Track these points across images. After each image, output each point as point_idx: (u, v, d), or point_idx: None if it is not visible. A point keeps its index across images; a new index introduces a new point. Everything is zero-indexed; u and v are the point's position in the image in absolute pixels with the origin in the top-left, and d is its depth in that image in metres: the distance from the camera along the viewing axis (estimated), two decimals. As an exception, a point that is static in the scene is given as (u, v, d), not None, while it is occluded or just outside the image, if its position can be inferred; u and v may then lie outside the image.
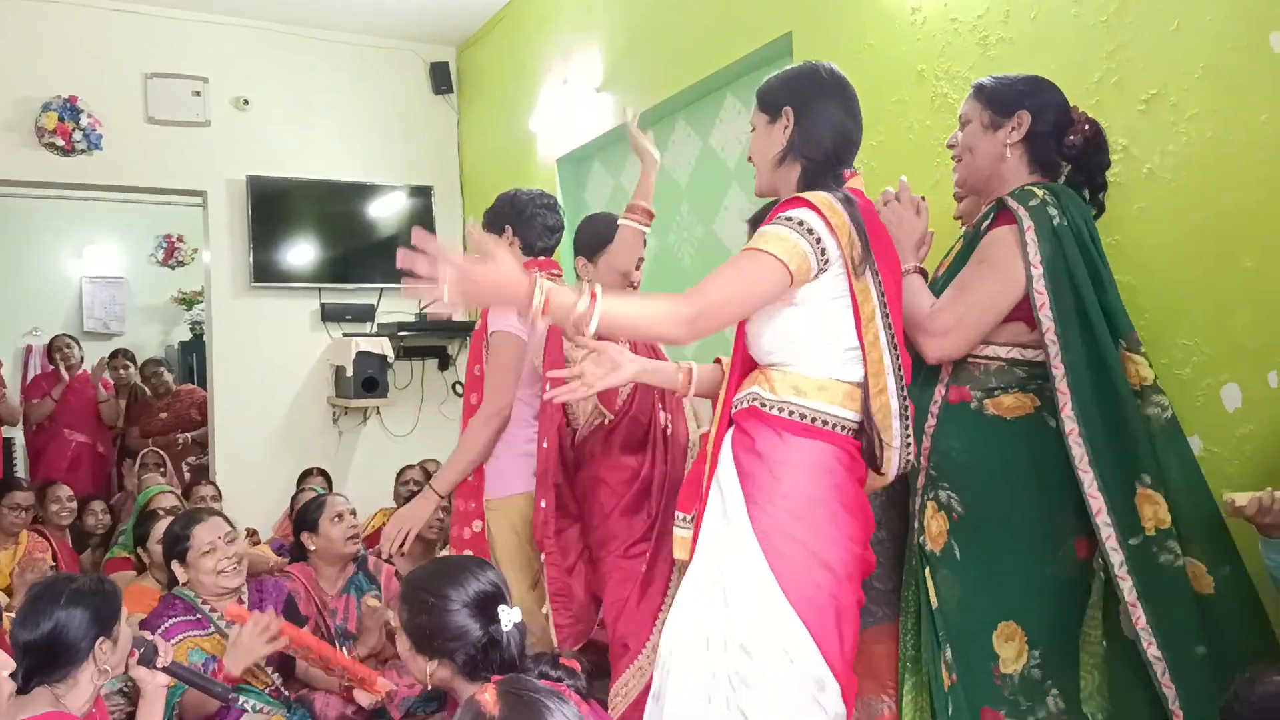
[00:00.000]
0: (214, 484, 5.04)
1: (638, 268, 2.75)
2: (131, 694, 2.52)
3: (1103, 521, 1.86)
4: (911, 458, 1.96)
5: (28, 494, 4.48)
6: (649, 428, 2.69)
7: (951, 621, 1.99)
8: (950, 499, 2.01)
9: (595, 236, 2.77)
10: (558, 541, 2.68)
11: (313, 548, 3.39)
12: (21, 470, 6.57)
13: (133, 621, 2.47)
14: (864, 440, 1.90)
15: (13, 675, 2.07)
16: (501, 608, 1.91)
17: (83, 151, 5.11)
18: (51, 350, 6.19)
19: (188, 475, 5.77)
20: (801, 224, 1.83)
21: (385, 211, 5.86)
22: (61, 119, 5.01)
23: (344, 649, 3.19)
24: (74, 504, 4.81)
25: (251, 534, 4.72)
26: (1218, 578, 1.88)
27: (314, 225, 5.68)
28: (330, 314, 5.73)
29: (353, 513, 3.46)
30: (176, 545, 2.88)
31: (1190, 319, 2.23)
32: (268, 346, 5.58)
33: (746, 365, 2.03)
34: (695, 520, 2.02)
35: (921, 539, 2.06)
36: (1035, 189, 2.00)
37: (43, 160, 5.06)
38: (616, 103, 4.55)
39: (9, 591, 3.81)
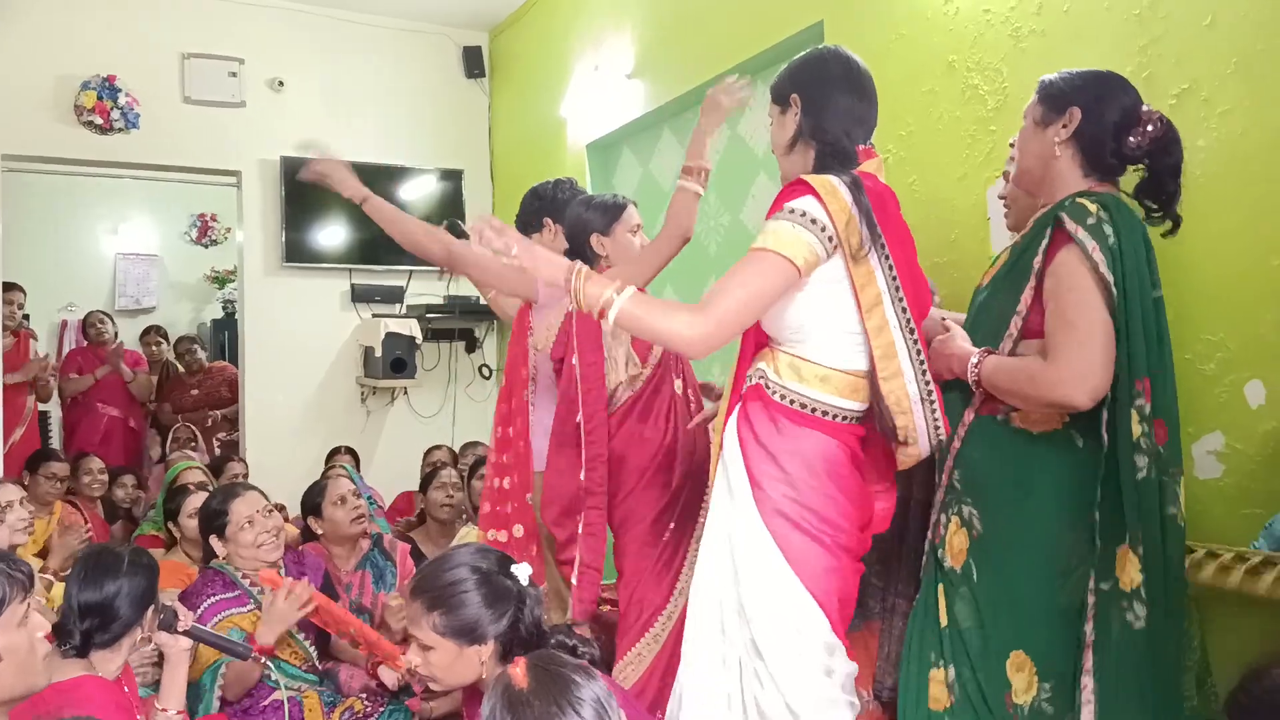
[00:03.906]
0: (243, 461, 5.13)
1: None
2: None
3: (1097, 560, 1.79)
4: (943, 435, 1.98)
5: (63, 464, 4.56)
6: (670, 397, 2.70)
7: (964, 643, 1.94)
8: (972, 515, 1.96)
9: (605, 211, 2.80)
10: (601, 515, 2.64)
11: (320, 531, 3.45)
12: (56, 443, 6.68)
13: (167, 595, 2.52)
14: (873, 424, 1.95)
15: (67, 636, 2.14)
16: (513, 566, 1.96)
17: (120, 130, 5.18)
18: (86, 327, 6.29)
19: (218, 451, 5.87)
20: (804, 214, 1.86)
21: (416, 194, 5.89)
22: (100, 97, 5.08)
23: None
24: (105, 476, 4.90)
25: (280, 509, 4.79)
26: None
27: (345, 207, 5.63)
28: (360, 295, 5.78)
29: (355, 493, 3.48)
30: (214, 520, 2.91)
31: (1216, 314, 2.23)
32: (298, 326, 5.64)
33: (759, 339, 2.07)
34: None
35: (941, 554, 2.02)
36: (1088, 203, 1.83)
37: (81, 138, 5.14)
38: (647, 90, 4.56)
39: (43, 555, 3.89)
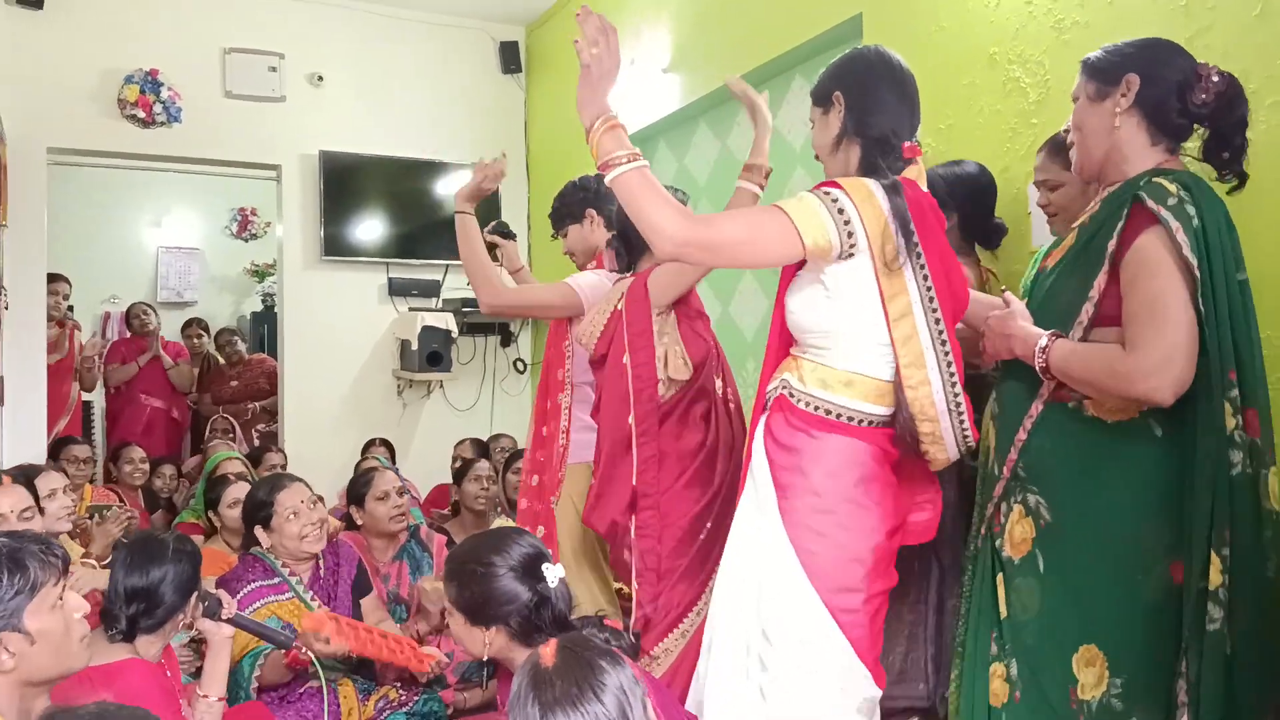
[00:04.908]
0: (282, 451, 5.18)
1: None
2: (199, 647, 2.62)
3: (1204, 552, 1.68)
4: (971, 444, 1.95)
5: (84, 446, 4.64)
6: (710, 397, 2.67)
7: (1025, 636, 1.87)
8: (1039, 504, 1.87)
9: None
10: (655, 515, 2.56)
11: (360, 522, 3.48)
12: (99, 433, 6.79)
13: (206, 583, 2.56)
14: (898, 430, 1.91)
15: (113, 620, 2.18)
16: (545, 566, 1.96)
17: (162, 124, 5.25)
18: (130, 318, 6.39)
19: (257, 442, 5.93)
20: (834, 201, 1.84)
21: (452, 189, 5.87)
22: (143, 91, 5.15)
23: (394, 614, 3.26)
24: (146, 465, 4.99)
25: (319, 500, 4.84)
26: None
27: (383, 201, 5.78)
28: (397, 288, 5.83)
29: (399, 491, 3.50)
30: (260, 511, 2.94)
31: (1264, 310, 2.17)
32: (337, 319, 5.70)
33: (783, 347, 2.05)
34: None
35: (999, 543, 1.94)
36: (1166, 183, 1.73)
37: (124, 131, 5.21)
38: (683, 83, 4.55)
39: (72, 536, 3.93)
